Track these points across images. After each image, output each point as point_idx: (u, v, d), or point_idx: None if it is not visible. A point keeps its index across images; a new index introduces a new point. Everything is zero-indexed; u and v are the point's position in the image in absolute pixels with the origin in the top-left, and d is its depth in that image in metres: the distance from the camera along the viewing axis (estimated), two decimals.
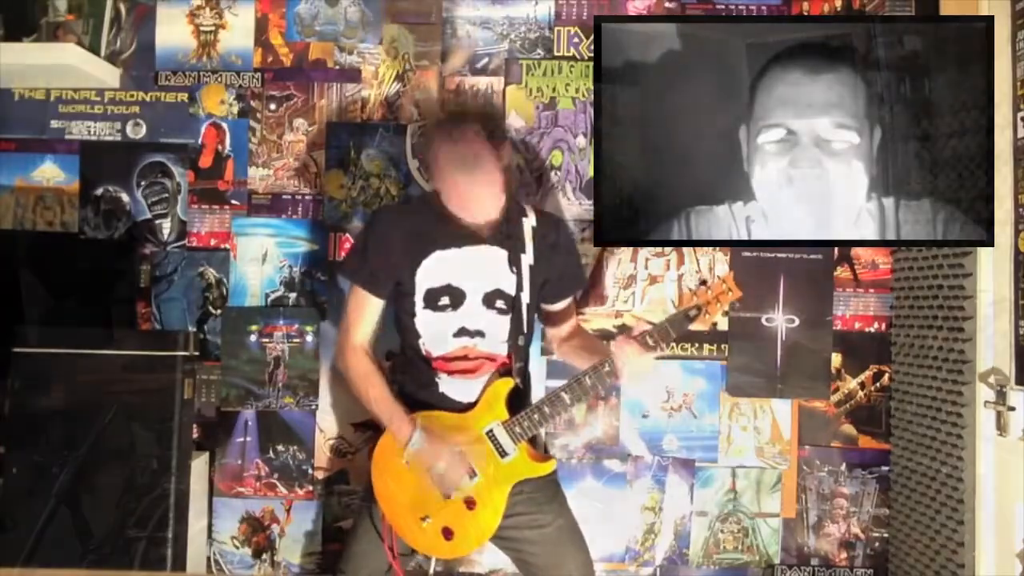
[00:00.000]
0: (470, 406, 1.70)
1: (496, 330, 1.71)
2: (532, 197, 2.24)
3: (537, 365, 2.18)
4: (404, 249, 1.70)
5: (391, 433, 1.69)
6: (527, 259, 1.74)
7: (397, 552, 1.69)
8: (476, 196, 1.60)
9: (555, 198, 2.26)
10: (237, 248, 2.29)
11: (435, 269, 1.69)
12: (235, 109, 2.30)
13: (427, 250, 1.69)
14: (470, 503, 1.66)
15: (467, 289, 1.69)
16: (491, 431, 1.66)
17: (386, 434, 1.72)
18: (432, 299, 1.70)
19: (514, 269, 1.71)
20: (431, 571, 1.83)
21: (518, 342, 1.73)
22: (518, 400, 1.70)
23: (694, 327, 1.66)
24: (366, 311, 1.74)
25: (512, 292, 1.71)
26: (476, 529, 1.67)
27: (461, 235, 1.68)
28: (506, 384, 1.69)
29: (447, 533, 1.67)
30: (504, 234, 1.71)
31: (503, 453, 1.66)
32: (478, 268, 1.70)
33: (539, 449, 1.80)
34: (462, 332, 1.70)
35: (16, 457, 1.94)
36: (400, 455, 1.67)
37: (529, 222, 1.77)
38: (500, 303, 1.71)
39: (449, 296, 1.69)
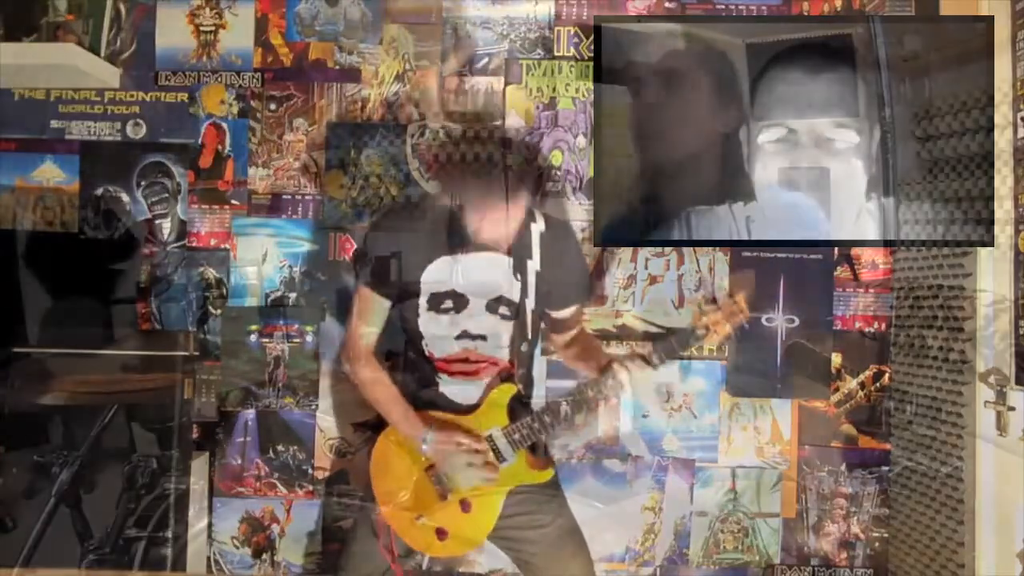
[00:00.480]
0: (471, 408, 1.70)
1: (498, 335, 1.72)
2: (533, 198, 2.23)
3: (538, 364, 2.18)
4: (411, 251, 1.70)
5: (403, 433, 1.69)
6: (533, 265, 1.74)
7: (396, 552, 1.69)
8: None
9: (558, 199, 2.25)
10: (237, 248, 2.28)
11: (440, 273, 1.69)
12: (235, 109, 2.30)
13: (433, 253, 1.69)
14: (465, 505, 1.67)
15: (471, 295, 1.70)
16: (491, 436, 1.66)
17: (384, 434, 1.72)
18: (436, 302, 1.70)
19: (519, 276, 1.71)
20: (423, 564, 1.84)
21: (521, 347, 1.73)
22: (520, 405, 1.71)
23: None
24: (373, 312, 1.75)
25: (516, 299, 1.71)
26: (471, 531, 1.68)
27: (469, 242, 1.69)
28: (508, 390, 1.69)
29: (440, 533, 1.68)
30: (512, 241, 1.71)
31: (501, 459, 1.66)
32: (483, 275, 1.70)
33: (540, 452, 1.80)
34: (464, 335, 1.70)
35: (16, 457, 1.94)
36: (400, 455, 1.69)
37: (537, 227, 1.76)
38: (504, 309, 1.71)
39: (452, 300, 1.70)
